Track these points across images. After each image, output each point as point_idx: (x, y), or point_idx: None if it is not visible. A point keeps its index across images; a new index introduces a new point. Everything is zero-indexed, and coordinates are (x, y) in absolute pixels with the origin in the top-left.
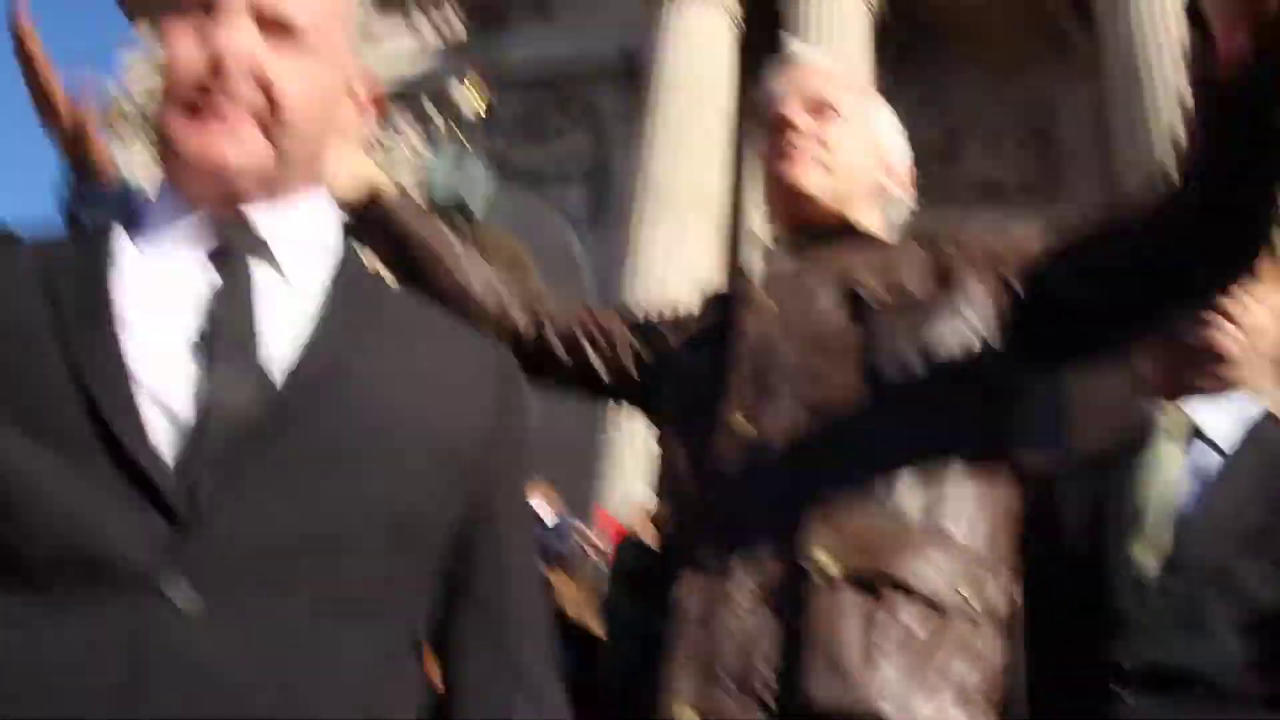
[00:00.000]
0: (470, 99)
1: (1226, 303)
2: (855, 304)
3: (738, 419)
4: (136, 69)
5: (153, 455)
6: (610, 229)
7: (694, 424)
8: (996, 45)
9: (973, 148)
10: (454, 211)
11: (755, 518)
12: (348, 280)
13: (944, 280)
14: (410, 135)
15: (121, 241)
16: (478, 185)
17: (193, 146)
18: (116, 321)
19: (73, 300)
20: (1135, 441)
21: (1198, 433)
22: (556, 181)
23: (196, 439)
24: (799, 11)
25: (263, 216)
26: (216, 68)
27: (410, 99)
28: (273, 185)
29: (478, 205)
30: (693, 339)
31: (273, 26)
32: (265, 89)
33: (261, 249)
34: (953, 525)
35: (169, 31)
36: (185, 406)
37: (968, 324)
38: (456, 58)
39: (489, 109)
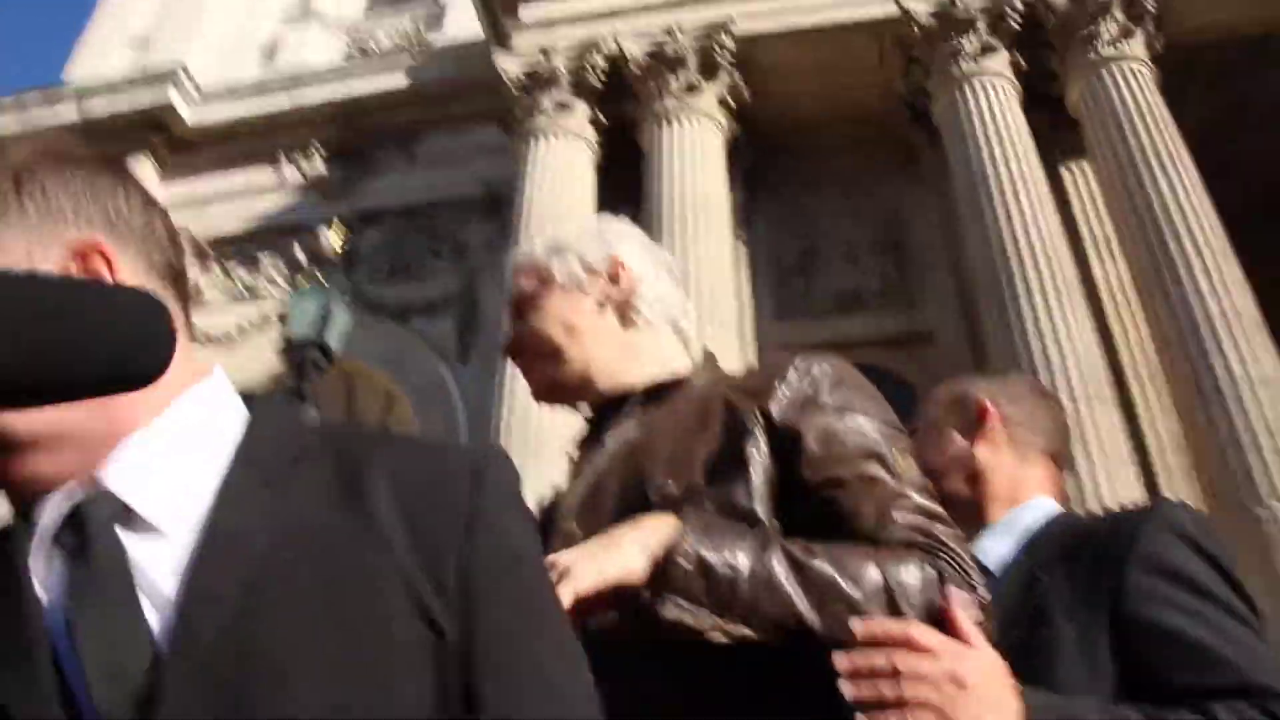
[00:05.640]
0: (332, 239)
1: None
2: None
3: None
4: None
5: None
6: (481, 360)
7: None
8: (846, 161)
9: (831, 260)
10: (312, 348)
11: None
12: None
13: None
14: (274, 274)
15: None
16: (337, 322)
17: None
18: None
19: None
20: None
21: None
22: (424, 314)
23: None
24: (655, 138)
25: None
26: None
27: (274, 239)
28: None
29: (335, 340)
30: None
31: None
32: None
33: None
34: None
35: None
36: None
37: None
38: (320, 198)
39: (350, 247)
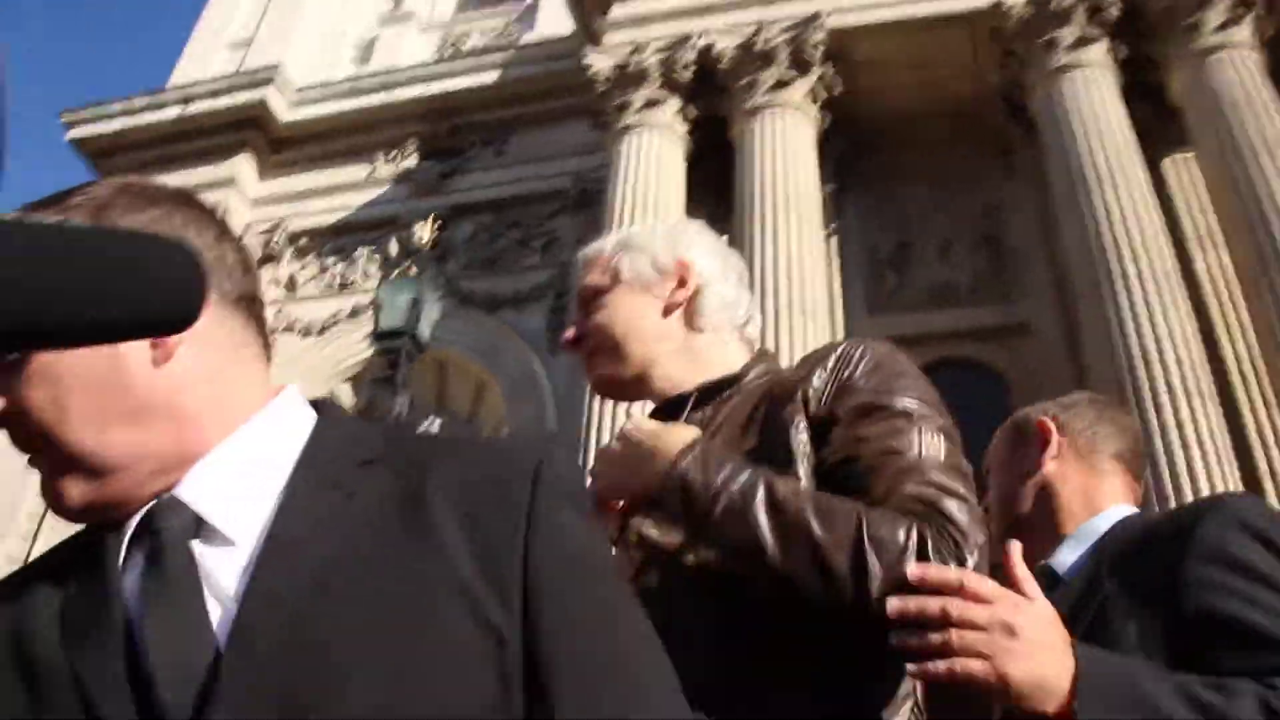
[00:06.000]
0: (425, 232)
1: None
2: None
3: None
4: None
5: None
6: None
7: None
8: (940, 154)
9: (924, 253)
10: (404, 338)
11: None
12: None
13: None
14: (368, 267)
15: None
16: (428, 313)
17: None
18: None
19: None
20: None
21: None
22: (513, 306)
23: None
24: (745, 132)
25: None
26: None
27: (369, 233)
28: None
29: (426, 331)
30: None
31: None
32: None
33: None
34: None
35: None
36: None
37: None
38: (413, 193)
39: (442, 240)
